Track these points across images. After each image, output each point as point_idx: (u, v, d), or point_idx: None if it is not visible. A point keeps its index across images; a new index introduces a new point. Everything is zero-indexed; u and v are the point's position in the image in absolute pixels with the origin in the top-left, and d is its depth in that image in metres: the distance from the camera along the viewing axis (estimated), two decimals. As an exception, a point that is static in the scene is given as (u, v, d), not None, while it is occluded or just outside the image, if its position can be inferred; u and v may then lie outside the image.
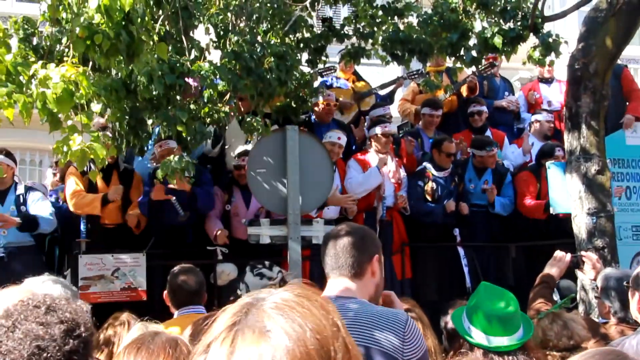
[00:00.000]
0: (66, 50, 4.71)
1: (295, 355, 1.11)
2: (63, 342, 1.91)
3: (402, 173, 7.72)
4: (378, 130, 7.56)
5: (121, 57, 3.73)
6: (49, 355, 1.88)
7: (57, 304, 2.00)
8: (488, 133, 8.56)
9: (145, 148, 6.10)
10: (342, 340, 1.19)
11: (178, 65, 5.25)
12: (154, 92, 4.99)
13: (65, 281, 3.33)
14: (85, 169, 6.32)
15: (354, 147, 8.21)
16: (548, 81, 9.58)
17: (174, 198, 6.64)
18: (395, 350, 2.50)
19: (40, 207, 6.68)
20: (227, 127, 7.10)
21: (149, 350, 1.92)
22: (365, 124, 8.45)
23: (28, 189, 6.89)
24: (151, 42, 4.13)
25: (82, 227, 6.58)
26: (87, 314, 2.05)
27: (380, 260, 2.87)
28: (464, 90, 9.05)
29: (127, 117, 5.45)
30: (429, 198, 7.69)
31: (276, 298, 1.20)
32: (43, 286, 2.93)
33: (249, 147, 6.92)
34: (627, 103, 8.30)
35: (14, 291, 2.43)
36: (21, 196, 6.71)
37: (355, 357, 1.21)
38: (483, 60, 7.24)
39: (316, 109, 7.98)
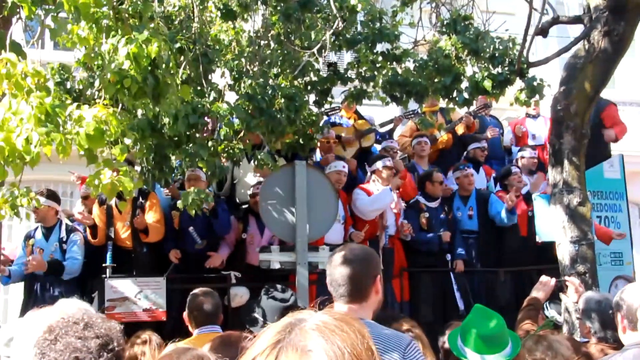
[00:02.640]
0: (97, 92, 4.80)
1: None
2: (98, 355, 1.98)
3: (402, 204, 7.77)
4: (379, 164, 7.62)
5: (148, 100, 3.79)
6: None
7: (94, 321, 2.07)
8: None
9: (170, 181, 6.16)
10: None
11: (199, 106, 5.34)
12: (178, 131, 5.06)
13: (87, 304, 3.38)
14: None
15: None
16: (534, 117, 9.69)
17: (192, 228, 6.67)
18: None
19: (74, 252, 6.78)
20: (240, 163, 7.15)
21: None
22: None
23: (70, 230, 6.93)
24: (175, 85, 4.20)
25: (109, 253, 6.60)
26: (119, 332, 2.11)
27: (381, 278, 2.88)
28: (459, 128, 9.13)
29: (152, 153, 5.52)
30: (424, 227, 7.76)
31: (317, 320, 1.20)
32: (72, 307, 2.98)
33: (261, 178, 7.00)
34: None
35: (50, 311, 2.49)
36: (64, 238, 6.80)
37: None
38: (474, 102, 7.30)
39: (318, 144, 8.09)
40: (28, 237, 6.92)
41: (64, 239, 6.78)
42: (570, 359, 3.48)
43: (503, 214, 7.75)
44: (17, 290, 7.53)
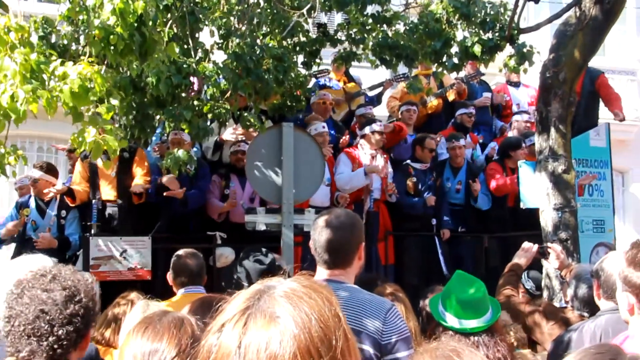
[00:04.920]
0: (82, 49, 4.72)
1: (301, 340, 1.14)
2: (64, 307, 1.99)
3: (389, 168, 7.80)
4: (367, 129, 7.63)
5: (134, 57, 3.74)
6: (51, 317, 1.97)
7: (62, 273, 2.08)
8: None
9: (149, 140, 6.12)
10: (343, 330, 1.22)
11: (185, 66, 5.27)
12: (161, 92, 5.02)
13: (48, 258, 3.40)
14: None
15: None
16: (516, 85, 9.68)
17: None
18: (376, 332, 2.56)
19: (74, 227, 6.82)
20: (227, 123, 7.13)
21: (155, 329, 1.94)
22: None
23: (68, 205, 6.90)
24: (162, 42, 4.15)
25: (94, 210, 6.59)
26: (89, 284, 2.11)
27: (364, 244, 2.91)
28: (450, 94, 9.12)
29: (133, 111, 5.47)
30: (410, 192, 7.81)
31: (285, 287, 1.23)
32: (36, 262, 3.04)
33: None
34: (606, 105, 8.39)
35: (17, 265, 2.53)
36: (63, 213, 6.81)
37: (352, 345, 1.24)
38: (464, 67, 7.29)
39: (313, 105, 8.11)
40: (22, 205, 6.89)
41: (64, 215, 6.76)
42: None
43: (480, 202, 7.90)
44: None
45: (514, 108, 9.47)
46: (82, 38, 4.81)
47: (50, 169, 6.86)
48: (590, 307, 3.80)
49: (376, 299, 2.75)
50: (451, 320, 3.05)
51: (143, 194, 6.84)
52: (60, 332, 1.95)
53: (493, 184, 7.97)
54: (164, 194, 6.75)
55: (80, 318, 2.01)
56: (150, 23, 3.79)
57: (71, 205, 6.86)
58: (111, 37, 3.52)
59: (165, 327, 1.95)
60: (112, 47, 3.62)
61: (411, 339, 2.69)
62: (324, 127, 7.56)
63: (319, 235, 2.82)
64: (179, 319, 2.00)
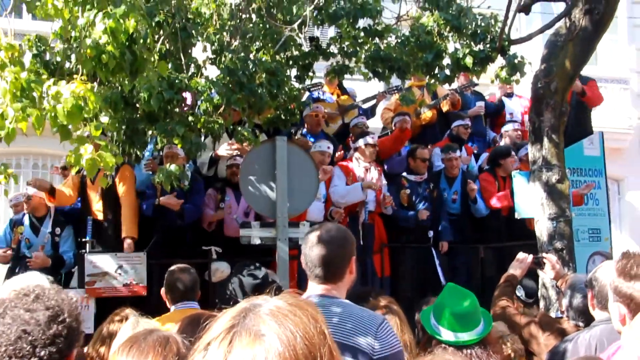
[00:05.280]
0: (74, 67, 4.73)
1: (286, 357, 1.15)
2: (47, 327, 1.95)
3: (383, 180, 7.80)
4: (361, 142, 7.65)
5: (125, 75, 3.76)
6: (33, 338, 1.93)
7: (45, 293, 2.04)
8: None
9: (141, 156, 6.13)
10: (328, 347, 1.22)
11: (177, 81, 5.30)
12: (152, 108, 5.04)
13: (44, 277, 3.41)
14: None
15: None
16: (509, 95, 9.73)
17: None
18: (368, 347, 2.56)
19: (68, 244, 6.82)
20: (220, 138, 7.15)
21: (140, 348, 1.94)
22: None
23: (62, 222, 6.90)
24: (153, 60, 4.16)
25: (89, 227, 6.58)
26: (73, 303, 2.08)
27: (355, 259, 2.91)
28: (444, 105, 9.15)
29: (124, 127, 5.48)
30: (404, 204, 7.81)
31: (271, 305, 1.24)
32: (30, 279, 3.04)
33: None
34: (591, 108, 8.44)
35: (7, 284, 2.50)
36: (57, 231, 6.80)
37: None
38: (456, 79, 7.32)
39: (306, 118, 8.12)
40: (16, 223, 6.88)
41: (58, 232, 6.75)
42: None
43: (479, 205, 7.90)
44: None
45: (507, 118, 9.51)
46: (73, 56, 4.82)
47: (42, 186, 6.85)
48: (585, 317, 3.80)
49: (368, 314, 2.74)
50: (446, 334, 3.05)
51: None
52: (42, 352, 1.92)
53: (495, 202, 7.95)
54: (160, 200, 6.77)
55: (64, 339, 1.98)
56: (141, 41, 3.79)
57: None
58: (102, 55, 3.54)
59: (150, 346, 1.94)
60: (103, 66, 3.63)
61: (403, 354, 2.69)
62: (329, 147, 7.57)
63: (310, 250, 2.82)
64: (164, 337, 1.99)
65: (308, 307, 1.27)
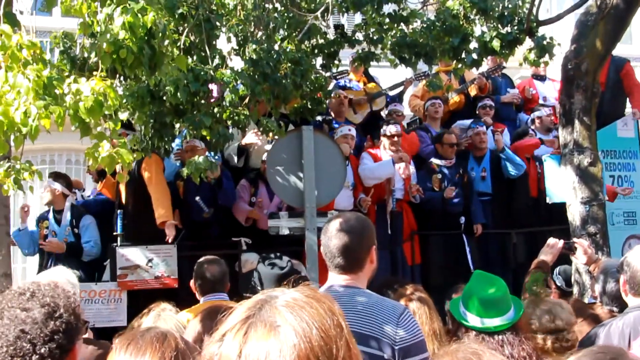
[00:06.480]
0: (94, 62, 4.77)
1: (301, 349, 1.14)
2: (44, 325, 1.96)
3: (412, 169, 7.70)
4: (386, 130, 7.57)
5: (143, 70, 3.76)
6: (32, 336, 1.94)
7: (41, 290, 2.06)
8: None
9: (170, 149, 6.15)
10: (345, 339, 1.21)
11: (202, 73, 5.29)
12: (179, 100, 5.04)
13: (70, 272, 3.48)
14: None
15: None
16: (542, 78, 9.53)
17: (198, 197, 6.68)
18: (389, 336, 2.53)
19: (90, 235, 6.86)
20: (247, 129, 7.13)
21: (137, 345, 1.94)
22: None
23: (79, 214, 6.96)
24: (172, 54, 4.16)
25: (119, 221, 6.64)
26: (70, 299, 2.09)
27: (376, 248, 2.88)
28: (472, 90, 9.02)
29: (151, 121, 5.50)
30: (436, 188, 7.70)
31: (288, 297, 1.24)
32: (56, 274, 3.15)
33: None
34: (628, 97, 8.19)
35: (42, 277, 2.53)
36: (74, 220, 6.86)
37: (355, 355, 1.23)
38: (484, 62, 7.19)
39: (330, 104, 8.10)
40: (42, 218, 7.00)
41: (75, 223, 6.84)
42: (571, 323, 3.45)
43: (510, 168, 7.72)
44: (35, 260, 7.67)
45: (540, 102, 9.32)
46: (93, 53, 4.86)
47: (57, 177, 6.95)
48: (619, 302, 3.72)
49: (389, 303, 2.72)
50: (473, 320, 3.01)
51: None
52: (42, 350, 1.93)
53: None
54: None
55: (62, 334, 1.99)
56: (160, 35, 3.79)
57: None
58: (121, 51, 3.54)
59: (147, 342, 1.94)
60: (122, 61, 3.63)
61: (425, 343, 2.65)
62: (350, 129, 7.50)
63: (329, 240, 2.80)
64: (162, 334, 1.99)
65: (325, 300, 1.26)
